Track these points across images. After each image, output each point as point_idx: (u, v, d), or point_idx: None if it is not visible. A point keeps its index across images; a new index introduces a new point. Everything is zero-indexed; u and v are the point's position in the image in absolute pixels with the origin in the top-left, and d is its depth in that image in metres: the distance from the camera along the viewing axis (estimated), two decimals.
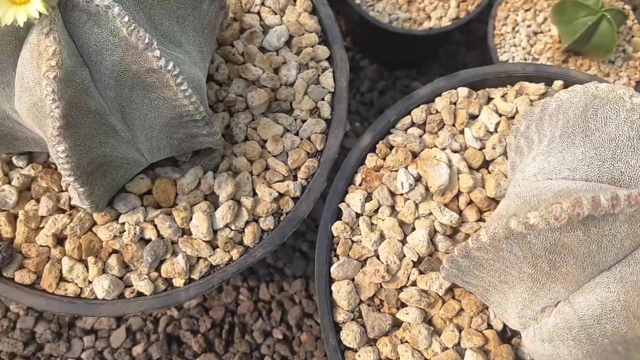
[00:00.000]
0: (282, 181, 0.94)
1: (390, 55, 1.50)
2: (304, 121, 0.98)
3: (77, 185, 0.77)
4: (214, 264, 0.90)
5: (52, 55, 0.66)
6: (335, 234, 0.90)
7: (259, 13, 1.02)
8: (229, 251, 0.90)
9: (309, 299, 1.39)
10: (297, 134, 0.97)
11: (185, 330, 1.36)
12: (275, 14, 1.03)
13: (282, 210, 0.93)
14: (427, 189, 0.91)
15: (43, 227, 0.88)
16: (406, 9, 1.39)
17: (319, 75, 1.00)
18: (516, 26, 1.36)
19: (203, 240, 0.89)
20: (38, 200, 0.89)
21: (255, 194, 0.93)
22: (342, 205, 0.92)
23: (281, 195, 0.93)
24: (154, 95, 0.77)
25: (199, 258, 0.90)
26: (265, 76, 0.98)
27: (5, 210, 0.88)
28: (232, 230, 0.90)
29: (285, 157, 0.95)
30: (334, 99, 0.99)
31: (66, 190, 0.91)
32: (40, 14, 0.64)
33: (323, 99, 1.00)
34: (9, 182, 0.90)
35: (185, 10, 0.83)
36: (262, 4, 1.02)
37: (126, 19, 0.70)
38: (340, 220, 0.91)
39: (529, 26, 1.35)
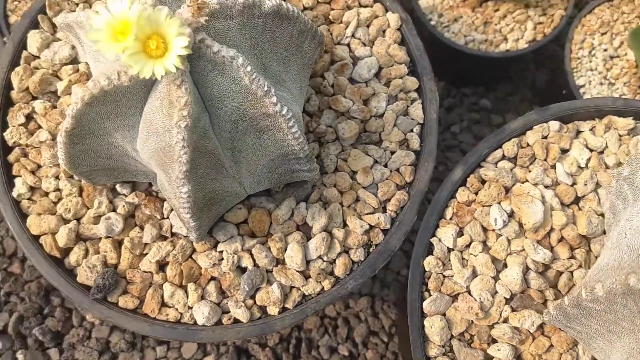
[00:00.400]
0: (372, 213, 0.96)
1: (462, 75, 1.51)
2: (393, 153, 1.00)
3: (191, 221, 0.80)
4: (306, 293, 0.93)
5: (184, 105, 0.69)
6: (427, 269, 0.92)
7: (348, 45, 1.04)
8: (320, 282, 0.92)
9: (374, 317, 1.42)
10: (386, 165, 0.99)
11: (254, 343, 1.39)
12: (365, 45, 1.04)
13: (371, 242, 0.95)
14: (520, 225, 0.92)
15: (147, 254, 0.92)
16: (482, 31, 1.39)
17: (407, 107, 1.02)
18: (593, 50, 1.35)
19: (297, 271, 0.92)
20: (142, 228, 0.93)
21: (345, 225, 0.95)
22: (434, 240, 0.94)
23: (371, 227, 0.95)
24: (265, 136, 0.80)
25: (292, 287, 0.93)
26: (355, 108, 1.00)
27: (110, 237, 0.92)
28: (324, 261, 0.93)
29: (375, 189, 0.97)
30: (423, 130, 1.01)
31: (167, 217, 0.94)
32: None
33: (412, 131, 1.01)
34: (114, 210, 0.93)
35: (290, 51, 0.85)
36: (352, 36, 1.04)
37: (249, 68, 0.72)
38: (432, 255, 0.93)
39: (605, 50, 1.35)
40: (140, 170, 0.87)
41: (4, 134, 0.95)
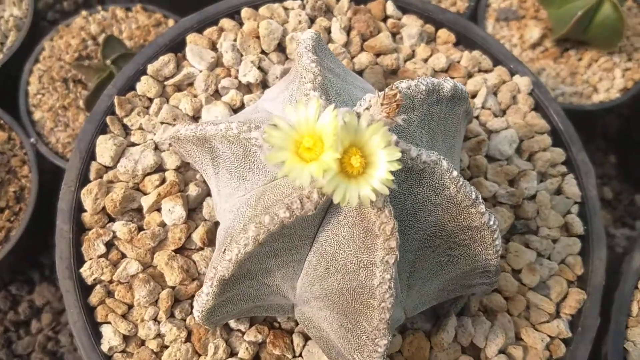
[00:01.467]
0: (548, 321, 0.78)
1: None
2: (555, 241, 0.83)
3: None
4: None
5: (390, 234, 0.51)
6: None
7: (478, 117, 0.88)
8: None
9: None
10: (549, 258, 0.82)
11: None
12: (497, 116, 0.88)
13: (552, 357, 0.77)
14: None
15: None
16: (570, 82, 1.25)
17: (559, 184, 0.86)
18: None
19: None
20: None
21: (520, 340, 0.77)
22: (628, 345, 0.76)
23: (551, 339, 0.77)
24: (457, 252, 0.62)
25: None
26: (503, 192, 0.83)
27: None
28: None
29: (547, 289, 0.80)
30: (583, 210, 0.84)
31: (301, 355, 0.74)
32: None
33: (569, 212, 0.84)
34: (234, 354, 0.73)
35: (456, 138, 0.69)
36: (482, 106, 0.88)
37: (454, 174, 0.55)
38: None
39: None
40: (276, 304, 0.68)
41: (81, 271, 0.75)
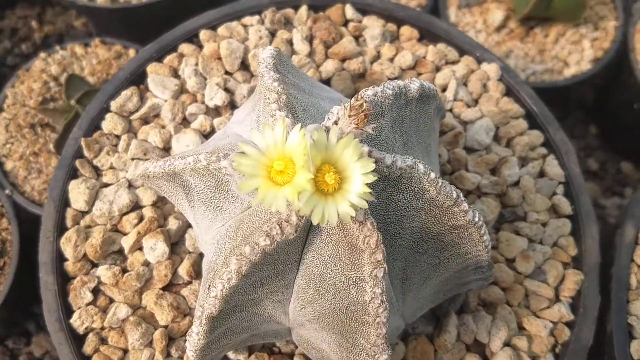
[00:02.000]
0: (549, 307, 0.77)
1: None
2: (544, 225, 0.82)
3: None
4: None
5: (375, 247, 0.49)
6: (635, 358, 0.74)
7: (451, 110, 0.87)
8: None
9: None
10: (541, 242, 0.81)
11: None
12: (470, 106, 0.87)
13: (557, 342, 0.76)
14: None
15: None
16: (540, 60, 1.25)
17: (541, 167, 0.85)
18: None
19: None
20: None
21: (523, 330, 0.76)
22: (632, 320, 0.75)
23: (554, 324, 0.76)
24: (447, 253, 0.61)
25: None
26: (486, 182, 0.82)
27: None
28: None
29: (543, 274, 0.79)
30: (569, 189, 0.83)
31: None
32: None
33: (555, 193, 0.84)
34: None
35: (430, 137, 0.68)
36: (454, 99, 0.87)
37: (432, 175, 0.53)
38: (637, 338, 0.74)
39: None
40: (272, 330, 0.66)
41: (71, 322, 0.73)
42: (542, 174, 0.85)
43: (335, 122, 0.52)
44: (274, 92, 0.55)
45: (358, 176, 0.47)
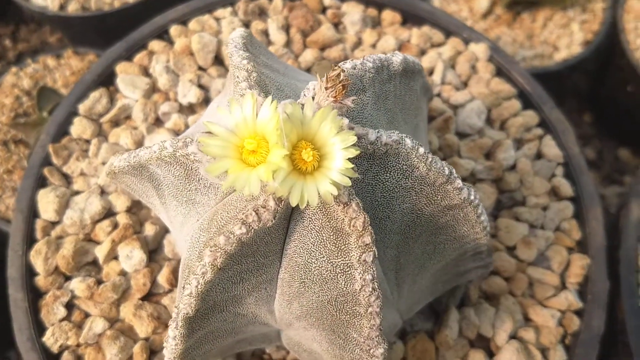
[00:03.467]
0: (555, 295, 0.72)
1: None
2: (545, 209, 0.77)
3: None
4: None
5: (362, 229, 0.44)
6: None
7: (439, 94, 0.82)
8: None
9: None
10: (543, 227, 0.76)
11: None
12: (459, 89, 0.83)
13: (566, 332, 0.71)
14: None
15: None
16: (529, 46, 1.21)
17: (538, 148, 0.80)
18: None
19: None
20: None
21: (529, 321, 0.71)
22: None
23: (562, 313, 0.71)
24: (442, 237, 0.56)
25: None
26: (480, 167, 0.77)
27: None
28: None
29: (546, 261, 0.74)
30: (568, 170, 0.79)
31: None
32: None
33: (554, 175, 0.79)
34: None
35: (418, 116, 0.64)
36: (442, 82, 0.82)
37: (421, 150, 0.49)
38: None
39: None
40: (260, 333, 0.61)
41: (44, 340, 0.68)
42: (539, 155, 0.81)
43: (312, 98, 0.48)
44: (243, 70, 0.50)
45: (338, 151, 0.43)
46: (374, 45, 0.84)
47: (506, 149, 0.79)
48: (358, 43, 0.85)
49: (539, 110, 0.81)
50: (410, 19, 0.87)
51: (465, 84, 0.84)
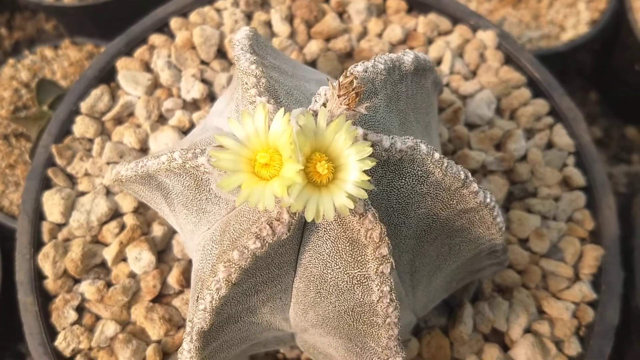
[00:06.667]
0: (569, 287, 0.71)
1: None
2: (556, 199, 0.76)
3: None
4: None
5: (379, 240, 0.43)
6: None
7: (448, 84, 0.81)
8: None
9: None
10: (555, 218, 0.75)
11: None
12: (467, 79, 0.81)
13: (581, 324, 0.71)
14: None
15: None
16: (535, 26, 1.19)
17: (549, 137, 0.79)
18: None
19: None
20: None
21: (543, 314, 0.70)
22: None
23: (576, 305, 0.71)
24: (457, 239, 0.55)
25: None
26: (491, 159, 0.76)
27: None
28: None
29: (559, 253, 0.73)
30: (580, 159, 0.78)
31: None
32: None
33: (566, 164, 0.78)
34: None
35: (430, 114, 0.62)
36: (450, 72, 0.80)
37: (436, 155, 0.47)
38: None
39: None
40: (274, 337, 0.60)
41: (56, 344, 0.67)
42: (550, 145, 0.79)
43: (324, 105, 0.46)
44: (252, 76, 0.49)
45: (354, 163, 0.42)
46: (380, 35, 0.82)
47: (517, 139, 0.77)
48: (364, 33, 0.83)
49: (549, 98, 0.80)
50: (416, 6, 0.85)
51: (474, 73, 0.82)
